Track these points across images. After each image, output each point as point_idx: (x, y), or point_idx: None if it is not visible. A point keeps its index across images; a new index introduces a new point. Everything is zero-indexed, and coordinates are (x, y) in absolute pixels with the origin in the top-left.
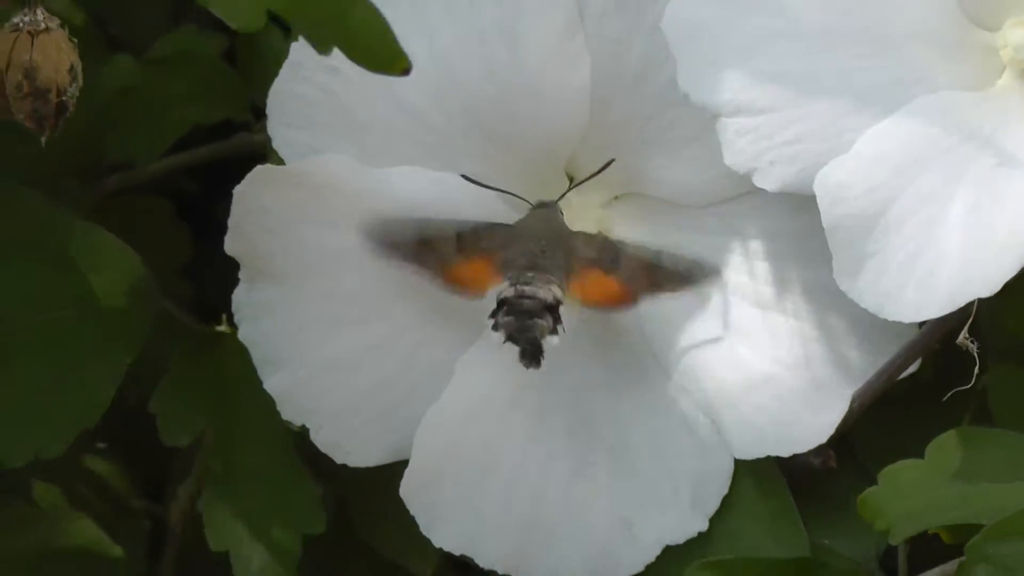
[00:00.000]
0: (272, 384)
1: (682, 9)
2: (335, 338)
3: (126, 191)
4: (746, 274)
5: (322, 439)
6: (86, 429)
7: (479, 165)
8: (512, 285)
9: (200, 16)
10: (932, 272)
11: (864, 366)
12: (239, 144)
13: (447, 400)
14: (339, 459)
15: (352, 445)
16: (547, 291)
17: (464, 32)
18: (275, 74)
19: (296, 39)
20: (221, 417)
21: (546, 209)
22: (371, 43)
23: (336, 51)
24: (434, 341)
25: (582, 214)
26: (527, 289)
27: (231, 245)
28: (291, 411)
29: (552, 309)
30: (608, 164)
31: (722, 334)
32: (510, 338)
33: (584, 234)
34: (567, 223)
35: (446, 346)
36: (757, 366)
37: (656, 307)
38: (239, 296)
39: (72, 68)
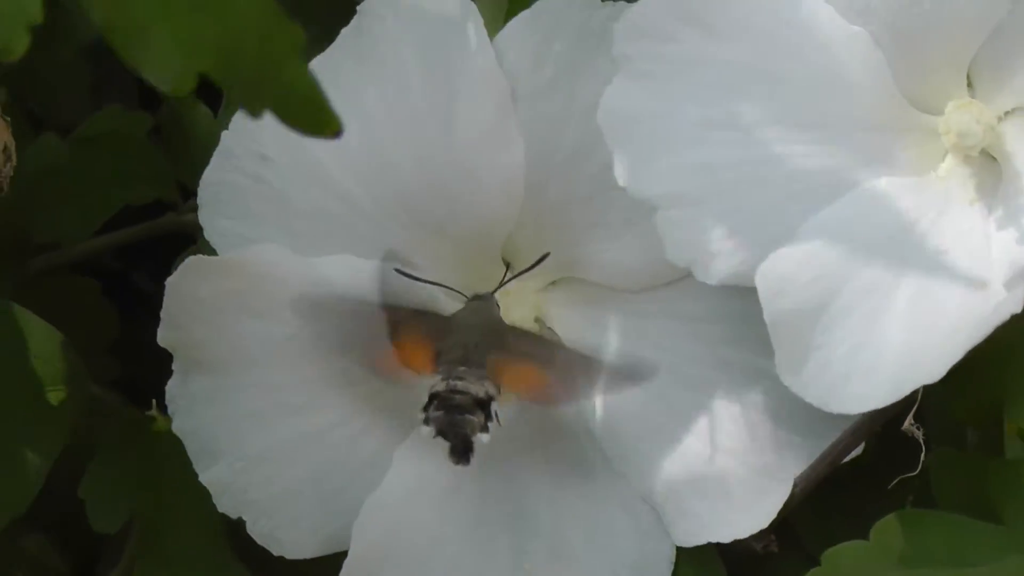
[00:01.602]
0: (208, 477)
1: (616, 99)
2: (272, 429)
3: (52, 271)
4: (686, 359)
5: (259, 531)
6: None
7: (413, 251)
8: (444, 379)
9: (122, 94)
10: (876, 363)
11: (806, 450)
12: (167, 224)
13: (386, 490)
14: (276, 551)
15: (289, 537)
16: (479, 387)
17: (397, 115)
18: (202, 154)
19: (225, 126)
20: (150, 504)
21: (481, 301)
22: (303, 105)
23: (267, 139)
24: (371, 431)
25: (519, 300)
26: (459, 384)
27: (164, 335)
28: (228, 503)
29: (484, 405)
30: (543, 258)
31: (662, 421)
32: (440, 433)
33: (519, 329)
34: (504, 309)
35: (383, 436)
36: (698, 452)
37: (593, 401)
38: (173, 388)
39: (6, 148)
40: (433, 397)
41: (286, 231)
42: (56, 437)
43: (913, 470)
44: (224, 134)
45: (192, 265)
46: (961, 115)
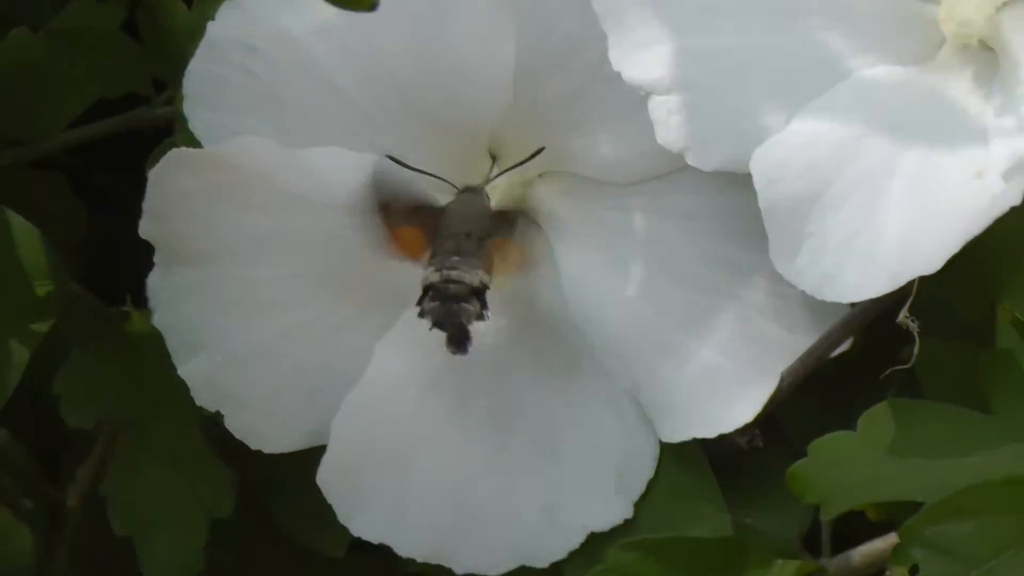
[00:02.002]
0: (187, 370)
1: None
2: (254, 322)
3: (18, 166)
4: (675, 253)
5: (237, 425)
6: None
7: (401, 145)
8: (438, 271)
9: None
10: (872, 252)
11: (794, 344)
12: (140, 118)
13: (366, 384)
14: (254, 445)
15: (268, 431)
16: (473, 276)
17: (393, 7)
18: (177, 47)
19: (203, 17)
20: (125, 400)
21: (472, 194)
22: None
23: (255, 30)
24: (353, 325)
25: (506, 191)
26: (453, 274)
27: (147, 228)
28: (206, 397)
29: (479, 293)
30: (538, 152)
31: (650, 316)
32: (437, 324)
33: (509, 217)
34: (491, 202)
35: (365, 331)
36: (685, 348)
37: (581, 287)
38: (155, 280)
39: None
40: (428, 288)
41: (273, 124)
42: (40, 329)
43: (901, 365)
44: (210, 25)
45: (176, 157)
46: (962, 4)
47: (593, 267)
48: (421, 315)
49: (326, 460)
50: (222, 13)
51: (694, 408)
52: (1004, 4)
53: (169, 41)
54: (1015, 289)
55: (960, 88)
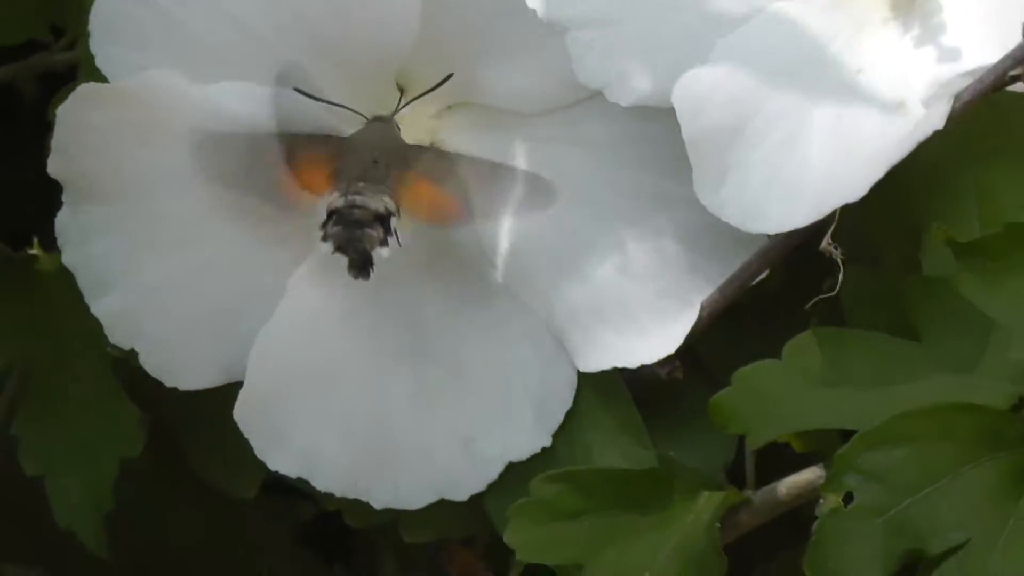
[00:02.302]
0: (100, 308)
1: None
2: (165, 260)
3: None
4: (590, 183)
5: (151, 363)
6: None
7: (308, 78)
8: (343, 195)
9: None
10: (795, 182)
11: (713, 274)
12: (39, 63)
13: (279, 319)
14: (168, 382)
15: (182, 368)
16: (378, 201)
17: None
18: None
19: None
20: (35, 342)
21: (381, 123)
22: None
23: None
24: (265, 261)
25: (414, 124)
26: (358, 199)
27: (55, 166)
28: (119, 335)
29: (383, 219)
30: (446, 79)
31: (563, 245)
32: (339, 248)
33: (418, 147)
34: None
35: (278, 266)
36: (602, 278)
37: (493, 223)
38: (63, 219)
39: None
40: (331, 213)
41: (182, 60)
42: None
43: (819, 295)
44: None
45: (83, 93)
46: None
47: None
48: (324, 239)
49: (242, 395)
50: None
51: (610, 338)
52: None
53: None
54: (947, 214)
55: (877, 17)
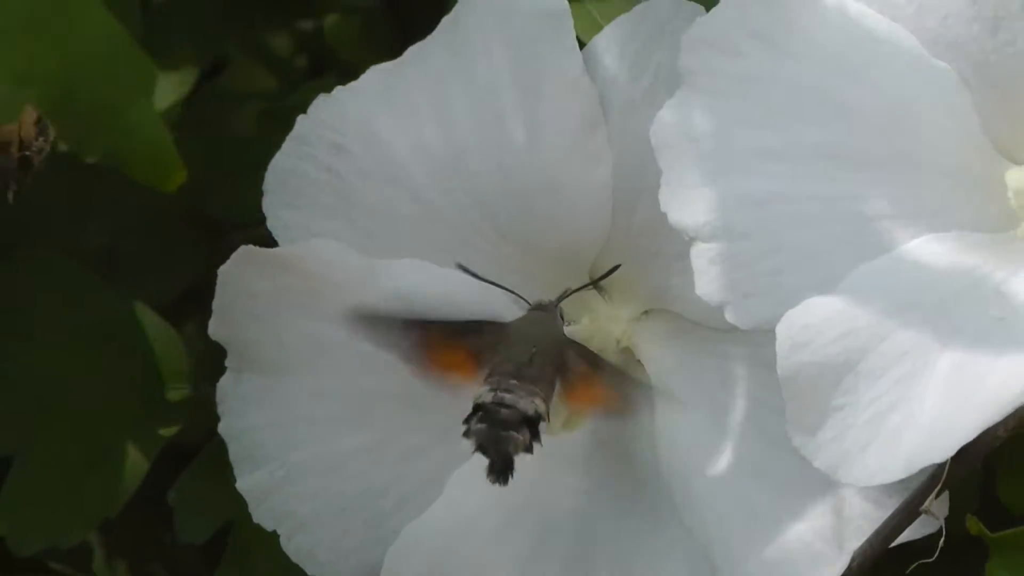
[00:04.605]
0: (246, 483)
1: (673, 115)
2: (322, 438)
3: None
4: (769, 410)
5: (294, 547)
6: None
7: (492, 265)
8: (492, 390)
9: None
10: (899, 433)
11: (870, 519)
12: None
13: (431, 517)
14: (311, 571)
15: (327, 556)
16: (528, 403)
17: (482, 116)
18: None
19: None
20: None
21: (543, 312)
22: (145, 151)
23: (346, 128)
24: (428, 452)
25: (608, 327)
26: (507, 397)
27: (216, 330)
28: (264, 514)
29: (531, 423)
30: (613, 270)
31: (740, 480)
32: (480, 448)
33: (580, 345)
34: (591, 334)
35: (441, 459)
36: (763, 511)
37: (676, 438)
38: (224, 385)
39: (39, 120)
40: (477, 408)
41: (354, 228)
42: (166, 434)
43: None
44: (300, 119)
45: (245, 255)
46: (1020, 173)
47: (690, 419)
48: (466, 434)
49: None
50: (314, 107)
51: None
52: None
53: None
54: None
55: None
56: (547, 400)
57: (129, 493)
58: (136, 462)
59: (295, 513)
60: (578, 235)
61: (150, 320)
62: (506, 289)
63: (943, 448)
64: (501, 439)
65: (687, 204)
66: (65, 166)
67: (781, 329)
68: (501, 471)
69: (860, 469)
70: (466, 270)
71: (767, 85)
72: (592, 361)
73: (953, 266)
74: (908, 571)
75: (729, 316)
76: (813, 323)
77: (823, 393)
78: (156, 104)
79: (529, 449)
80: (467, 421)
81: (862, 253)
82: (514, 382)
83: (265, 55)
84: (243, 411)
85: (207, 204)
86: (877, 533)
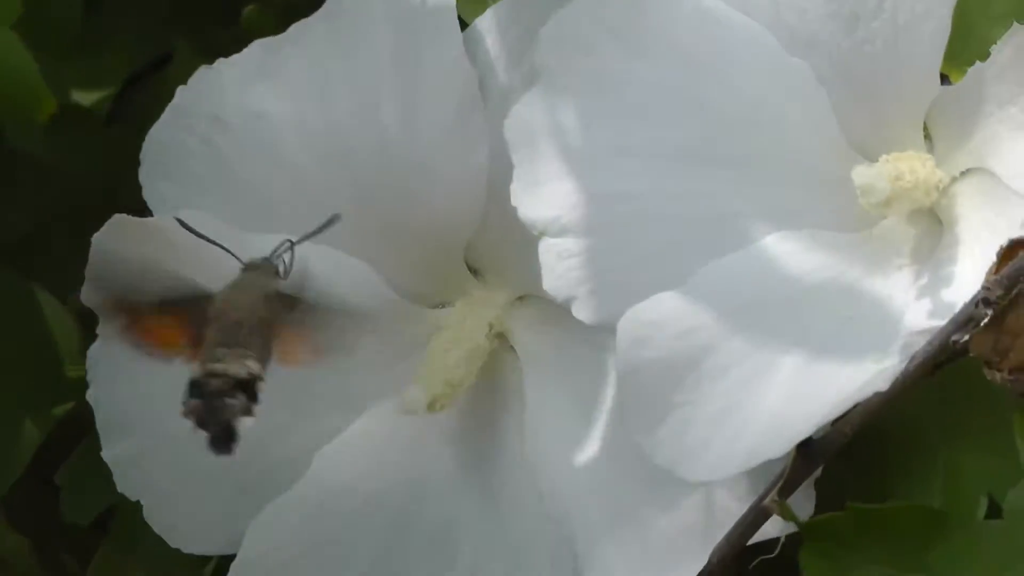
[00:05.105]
0: (112, 453)
1: (527, 111)
2: None
3: None
4: None
5: (156, 519)
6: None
7: (368, 245)
8: (202, 364)
9: None
10: (740, 430)
11: (730, 512)
12: None
13: (295, 493)
14: (173, 543)
15: (189, 529)
16: (239, 366)
17: (362, 98)
18: None
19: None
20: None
21: (255, 271)
22: (13, 80)
23: (225, 101)
24: (295, 426)
25: (481, 311)
26: (217, 367)
27: (88, 295)
28: (128, 484)
29: (246, 385)
30: (329, 223)
31: (601, 465)
32: (199, 423)
33: (289, 296)
34: (463, 317)
35: (309, 433)
36: (628, 504)
37: (543, 424)
38: (94, 352)
39: None
40: (191, 385)
41: (228, 201)
42: (58, 412)
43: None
44: (180, 90)
45: (116, 223)
46: (870, 170)
47: (558, 407)
48: (184, 415)
49: (235, 566)
50: (195, 78)
51: (623, 573)
52: (963, 174)
53: None
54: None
55: (894, 262)
56: (262, 360)
57: (21, 469)
58: (30, 438)
59: (158, 484)
60: (451, 217)
61: (46, 300)
62: (225, 250)
63: (781, 442)
64: (216, 408)
65: (537, 199)
66: None
67: (623, 324)
68: (223, 441)
69: (700, 465)
70: (184, 225)
71: (622, 82)
72: (300, 309)
73: (804, 264)
74: (750, 567)
75: (576, 312)
76: (657, 319)
77: (664, 390)
78: (87, 96)
79: (249, 412)
80: (184, 401)
81: (713, 251)
82: (223, 350)
83: (211, 50)
84: (112, 379)
85: (124, 196)
86: (735, 528)
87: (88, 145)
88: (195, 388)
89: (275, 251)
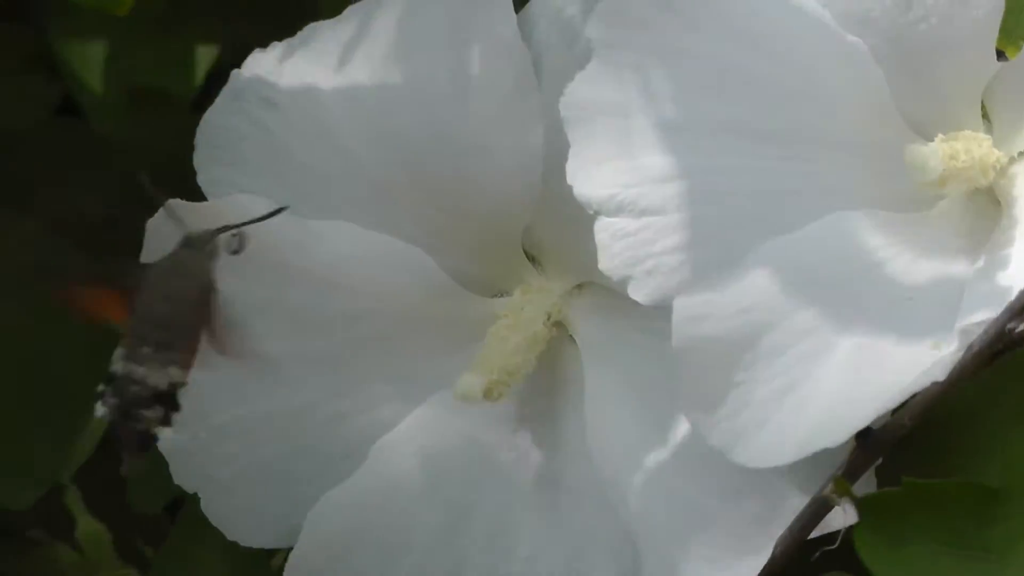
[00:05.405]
0: (168, 444)
1: (583, 88)
2: (244, 400)
3: None
4: None
5: (214, 511)
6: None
7: (424, 229)
8: (126, 359)
9: None
10: (798, 412)
11: (795, 501)
12: None
13: (352, 483)
14: (230, 535)
15: (246, 521)
16: (161, 375)
17: (417, 78)
18: None
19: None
20: None
21: (191, 249)
22: None
23: (279, 84)
24: (352, 418)
25: (540, 300)
26: (138, 371)
27: None
28: (185, 475)
29: (164, 397)
30: (276, 212)
31: (662, 455)
32: (113, 423)
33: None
34: (521, 308)
35: (363, 426)
36: (690, 496)
37: (602, 414)
38: None
39: None
40: (110, 378)
41: (283, 186)
42: None
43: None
44: (234, 73)
45: (171, 208)
46: (923, 148)
47: (618, 396)
48: (101, 404)
49: (292, 560)
50: (250, 61)
51: (686, 566)
52: (1020, 154)
53: None
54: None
55: (952, 243)
56: (187, 365)
57: (89, 450)
58: (99, 423)
59: (215, 476)
60: (506, 200)
61: None
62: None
63: (840, 429)
64: (132, 417)
65: (592, 178)
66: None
67: (679, 302)
68: (137, 448)
69: (755, 449)
70: (143, 187)
71: (677, 57)
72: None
73: (862, 244)
74: (812, 559)
75: (632, 292)
76: (714, 297)
77: (721, 368)
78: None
79: (167, 422)
80: (103, 390)
81: (768, 230)
82: (148, 350)
83: None
84: None
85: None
86: (798, 520)
87: (170, 130)
88: (115, 384)
89: (222, 227)
